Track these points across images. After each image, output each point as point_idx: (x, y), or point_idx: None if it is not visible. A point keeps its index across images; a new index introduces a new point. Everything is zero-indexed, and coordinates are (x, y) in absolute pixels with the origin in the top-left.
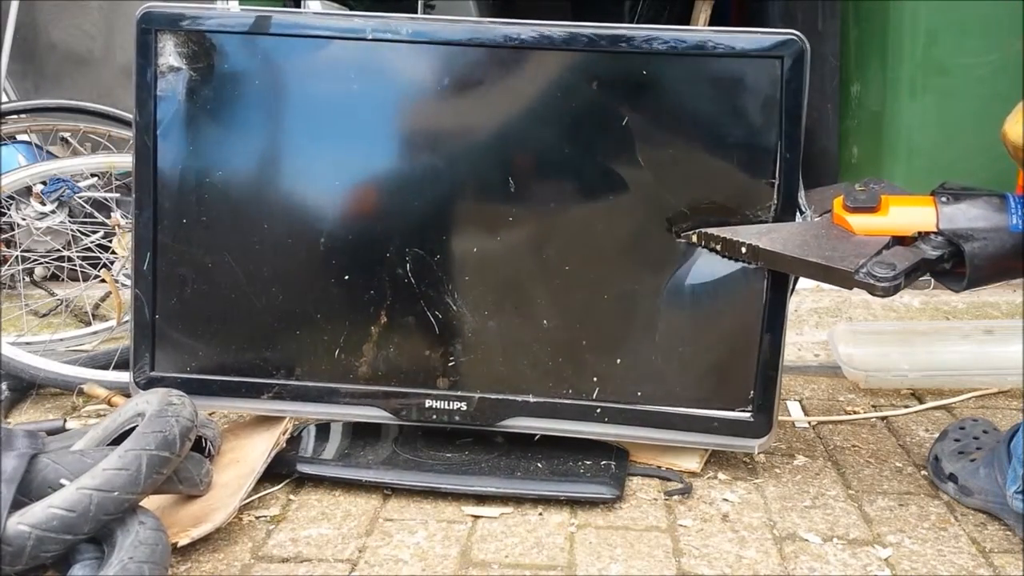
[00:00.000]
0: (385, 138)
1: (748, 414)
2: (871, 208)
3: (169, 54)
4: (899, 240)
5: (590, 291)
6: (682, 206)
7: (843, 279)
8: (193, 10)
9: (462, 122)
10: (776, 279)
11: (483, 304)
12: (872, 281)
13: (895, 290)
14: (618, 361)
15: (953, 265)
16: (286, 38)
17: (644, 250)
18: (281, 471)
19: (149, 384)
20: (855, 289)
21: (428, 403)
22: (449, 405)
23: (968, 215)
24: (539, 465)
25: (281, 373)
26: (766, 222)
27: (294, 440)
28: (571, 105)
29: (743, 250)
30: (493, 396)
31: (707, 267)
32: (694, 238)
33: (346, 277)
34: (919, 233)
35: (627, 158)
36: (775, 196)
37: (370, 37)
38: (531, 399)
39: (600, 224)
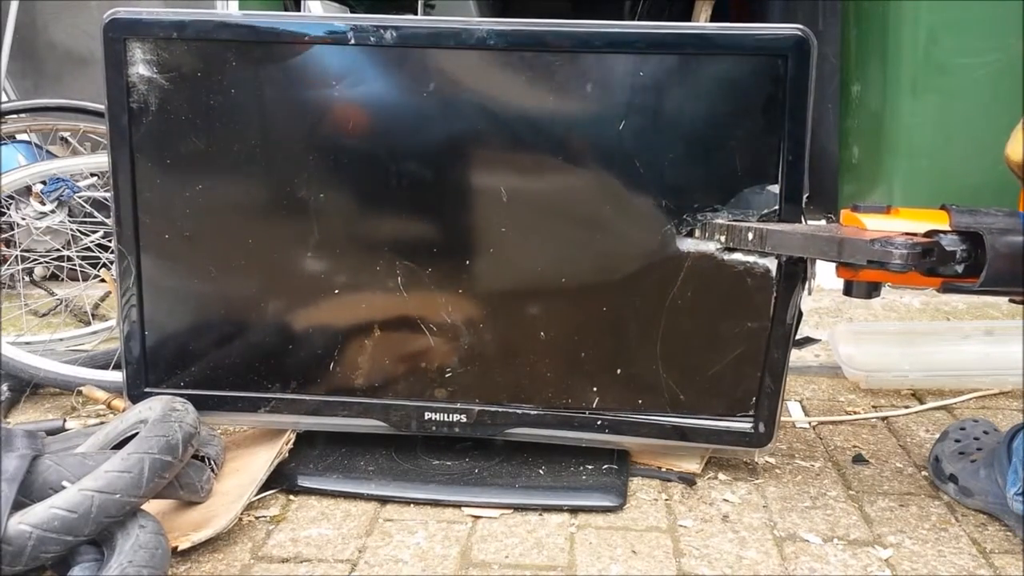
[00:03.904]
0: (373, 146)
1: (749, 425)
2: (882, 211)
3: (141, 63)
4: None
5: (588, 302)
6: (682, 214)
7: (857, 250)
8: (166, 15)
9: (452, 129)
10: (784, 291)
11: (478, 316)
12: (890, 248)
13: (912, 259)
14: (618, 372)
15: (965, 269)
16: (267, 43)
17: (643, 259)
18: (283, 485)
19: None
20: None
21: (428, 415)
22: (449, 417)
23: (983, 221)
24: (540, 471)
25: (277, 387)
26: None
27: (296, 449)
28: (566, 109)
29: (750, 236)
30: (493, 408)
31: (710, 277)
32: (697, 232)
33: (335, 292)
34: (932, 232)
35: (624, 164)
36: (778, 202)
37: (353, 41)
38: (531, 410)
39: (597, 232)
